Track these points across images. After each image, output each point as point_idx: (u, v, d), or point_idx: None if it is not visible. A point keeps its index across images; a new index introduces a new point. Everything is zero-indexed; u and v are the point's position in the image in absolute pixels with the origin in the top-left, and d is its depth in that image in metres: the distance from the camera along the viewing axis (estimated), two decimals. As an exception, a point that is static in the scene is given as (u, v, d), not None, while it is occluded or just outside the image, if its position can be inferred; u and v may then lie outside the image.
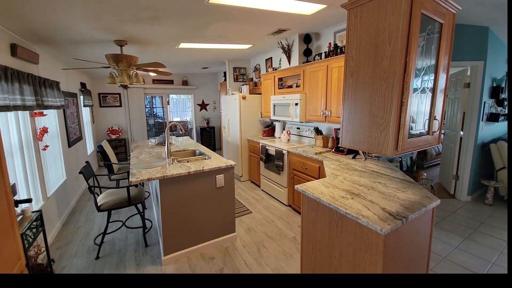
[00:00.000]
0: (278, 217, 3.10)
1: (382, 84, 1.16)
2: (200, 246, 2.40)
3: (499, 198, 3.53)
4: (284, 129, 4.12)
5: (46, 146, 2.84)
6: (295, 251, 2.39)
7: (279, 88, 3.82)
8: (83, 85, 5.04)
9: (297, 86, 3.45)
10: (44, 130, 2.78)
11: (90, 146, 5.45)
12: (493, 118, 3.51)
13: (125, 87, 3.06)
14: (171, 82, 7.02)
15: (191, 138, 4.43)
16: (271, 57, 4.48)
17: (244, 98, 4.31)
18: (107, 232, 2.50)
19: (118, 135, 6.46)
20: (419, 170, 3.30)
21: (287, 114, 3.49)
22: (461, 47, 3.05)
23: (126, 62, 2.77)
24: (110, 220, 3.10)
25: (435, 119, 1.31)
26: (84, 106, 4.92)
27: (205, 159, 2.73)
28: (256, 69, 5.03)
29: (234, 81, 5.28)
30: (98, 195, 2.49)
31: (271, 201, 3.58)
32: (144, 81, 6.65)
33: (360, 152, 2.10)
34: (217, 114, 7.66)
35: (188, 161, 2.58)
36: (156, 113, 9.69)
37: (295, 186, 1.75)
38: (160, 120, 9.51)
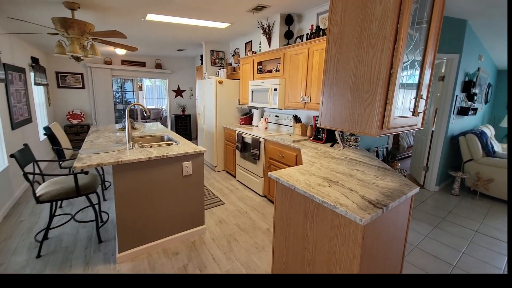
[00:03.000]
0: (252, 208, 2.94)
1: (369, 52, 0.99)
2: (164, 240, 2.15)
3: (465, 188, 3.69)
4: (262, 117, 3.93)
5: (-24, 125, 2.36)
6: (267, 244, 2.24)
7: (258, 73, 3.60)
8: (34, 60, 4.38)
9: (276, 71, 3.25)
10: (-27, 106, 2.30)
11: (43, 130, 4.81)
12: (463, 111, 3.61)
13: (77, 59, 2.62)
14: (143, 64, 6.44)
15: (165, 126, 4.07)
16: (251, 41, 4.22)
17: (220, 82, 4.02)
18: (52, 227, 2.15)
19: (80, 120, 5.82)
20: (394, 160, 3.31)
21: (266, 101, 3.29)
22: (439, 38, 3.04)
23: (78, 29, 2.35)
24: (60, 213, 2.74)
25: (422, 98, 1.19)
26: (36, 84, 4.29)
27: (172, 144, 2.45)
28: (235, 53, 4.73)
29: (212, 65, 4.94)
30: (40, 184, 2.12)
31: (246, 192, 3.41)
32: (111, 62, 6.07)
33: (338, 140, 1.98)
34: (194, 102, 7.24)
35: (151, 146, 2.29)
36: (127, 99, 8.97)
37: (269, 173, 1.57)
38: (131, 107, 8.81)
